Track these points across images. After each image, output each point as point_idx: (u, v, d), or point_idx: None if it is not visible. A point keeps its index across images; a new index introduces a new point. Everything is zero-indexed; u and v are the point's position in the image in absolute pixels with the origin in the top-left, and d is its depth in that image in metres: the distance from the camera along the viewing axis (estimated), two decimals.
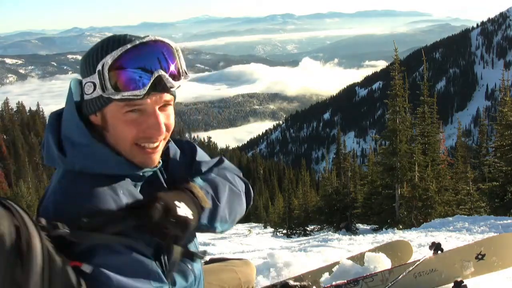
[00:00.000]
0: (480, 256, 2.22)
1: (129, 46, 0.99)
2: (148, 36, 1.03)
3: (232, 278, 1.67)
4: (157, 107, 1.05)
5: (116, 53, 0.97)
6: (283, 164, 74.36)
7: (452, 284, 2.99)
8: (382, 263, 2.59)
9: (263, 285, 2.62)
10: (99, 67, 0.98)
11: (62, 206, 0.99)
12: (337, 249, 5.94)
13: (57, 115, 1.10)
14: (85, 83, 1.03)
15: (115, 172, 1.05)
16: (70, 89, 1.09)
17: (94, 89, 1.00)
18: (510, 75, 13.87)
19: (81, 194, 1.00)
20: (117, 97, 0.99)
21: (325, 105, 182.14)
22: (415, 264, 2.25)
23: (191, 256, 1.12)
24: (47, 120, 1.13)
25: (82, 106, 1.06)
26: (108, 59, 0.97)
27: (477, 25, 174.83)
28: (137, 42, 1.00)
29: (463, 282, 2.37)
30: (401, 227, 10.95)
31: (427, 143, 14.22)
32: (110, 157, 1.04)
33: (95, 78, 0.99)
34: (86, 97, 1.04)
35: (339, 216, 17.27)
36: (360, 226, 16.77)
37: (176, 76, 1.05)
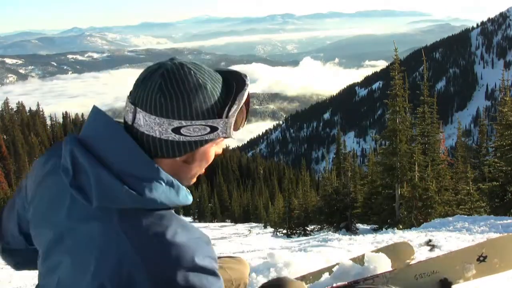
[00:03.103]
0: (481, 258, 2.20)
1: (247, 90, 0.97)
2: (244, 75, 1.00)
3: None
4: None
5: (242, 99, 0.96)
6: (283, 164, 74.36)
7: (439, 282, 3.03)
8: (383, 264, 2.58)
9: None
10: (230, 112, 0.95)
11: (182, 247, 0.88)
12: (337, 249, 5.94)
13: (78, 140, 0.94)
14: (191, 126, 0.92)
15: (186, 202, 0.97)
16: (109, 121, 0.94)
17: (210, 132, 0.94)
18: (510, 75, 13.86)
19: (190, 228, 0.93)
20: (233, 136, 0.99)
21: (325, 105, 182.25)
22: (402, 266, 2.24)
23: None
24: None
25: (156, 147, 0.94)
26: (238, 106, 0.95)
27: (477, 25, 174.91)
28: (247, 83, 0.97)
29: (447, 280, 2.34)
30: (401, 227, 10.94)
31: (427, 143, 14.23)
32: (182, 188, 0.96)
33: (218, 122, 0.94)
34: (178, 137, 0.93)
35: (339, 216, 17.26)
36: (360, 226, 16.77)
37: None
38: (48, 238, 0.97)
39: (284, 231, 21.30)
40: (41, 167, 1.03)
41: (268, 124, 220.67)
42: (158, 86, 0.90)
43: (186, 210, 44.52)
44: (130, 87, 0.97)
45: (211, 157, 1.02)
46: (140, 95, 0.91)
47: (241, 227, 31.29)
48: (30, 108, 55.59)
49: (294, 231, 20.94)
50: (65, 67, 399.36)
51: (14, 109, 51.34)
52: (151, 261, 0.86)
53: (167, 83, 0.90)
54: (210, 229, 26.83)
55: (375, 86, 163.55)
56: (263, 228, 30.08)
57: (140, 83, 0.92)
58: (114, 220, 0.89)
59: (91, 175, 0.88)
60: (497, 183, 11.42)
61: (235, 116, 0.96)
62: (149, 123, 0.91)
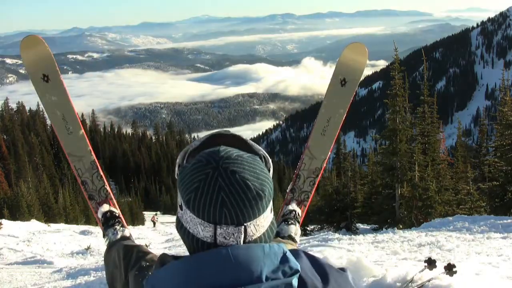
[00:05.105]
0: (343, 82, 2.33)
1: None
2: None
3: None
4: None
5: None
6: (283, 164, 74.32)
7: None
8: None
9: None
10: None
11: None
12: (337, 249, 5.94)
13: None
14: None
15: None
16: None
17: None
18: (510, 74, 13.89)
19: None
20: None
21: None
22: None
23: None
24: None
25: (271, 235, 0.91)
26: None
27: (477, 24, 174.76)
28: None
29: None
30: (401, 226, 10.95)
31: (427, 143, 14.24)
32: None
33: None
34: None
35: (339, 216, 17.26)
36: (360, 226, 16.78)
37: None
38: None
39: None
40: None
41: (269, 124, 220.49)
42: (253, 192, 0.80)
43: None
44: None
45: None
46: (244, 212, 0.81)
47: None
48: (30, 108, 55.55)
49: None
50: (65, 67, 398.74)
51: (14, 109, 51.30)
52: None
53: (254, 182, 0.82)
54: None
55: (375, 86, 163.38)
56: None
57: (239, 203, 0.80)
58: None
59: None
60: (497, 183, 11.44)
61: None
62: (263, 223, 0.85)
